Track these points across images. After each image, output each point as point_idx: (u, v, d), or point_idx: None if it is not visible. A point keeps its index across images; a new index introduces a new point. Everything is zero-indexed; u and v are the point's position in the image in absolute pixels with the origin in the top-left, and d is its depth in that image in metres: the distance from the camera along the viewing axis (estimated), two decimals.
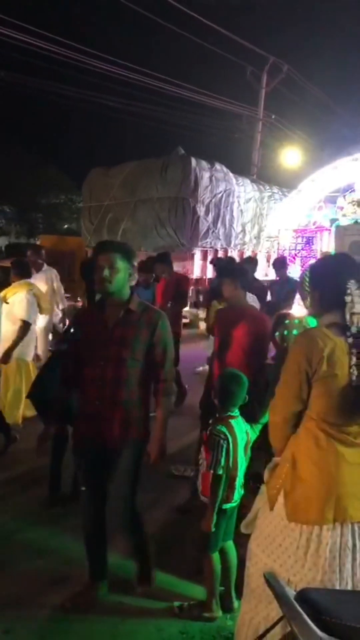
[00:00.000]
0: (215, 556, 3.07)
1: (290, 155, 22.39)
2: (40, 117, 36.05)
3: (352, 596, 2.05)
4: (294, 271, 12.95)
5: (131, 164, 14.22)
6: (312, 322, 3.29)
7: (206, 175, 13.10)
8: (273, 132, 22.09)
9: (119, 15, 36.88)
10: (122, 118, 27.49)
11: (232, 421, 3.04)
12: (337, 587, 2.17)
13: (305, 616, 1.65)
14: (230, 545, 3.15)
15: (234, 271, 4.43)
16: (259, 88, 21.26)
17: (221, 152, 17.84)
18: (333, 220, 13.22)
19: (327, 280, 2.41)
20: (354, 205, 13.01)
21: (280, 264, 8.79)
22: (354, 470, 2.27)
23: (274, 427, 2.44)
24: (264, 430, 3.22)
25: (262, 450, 3.46)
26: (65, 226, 33.40)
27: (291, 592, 1.75)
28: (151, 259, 7.59)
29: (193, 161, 12.92)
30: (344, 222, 12.90)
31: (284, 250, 13.27)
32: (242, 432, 3.07)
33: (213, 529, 2.96)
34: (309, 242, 13.06)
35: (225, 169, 13.91)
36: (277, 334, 3.49)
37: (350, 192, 13.23)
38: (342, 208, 13.28)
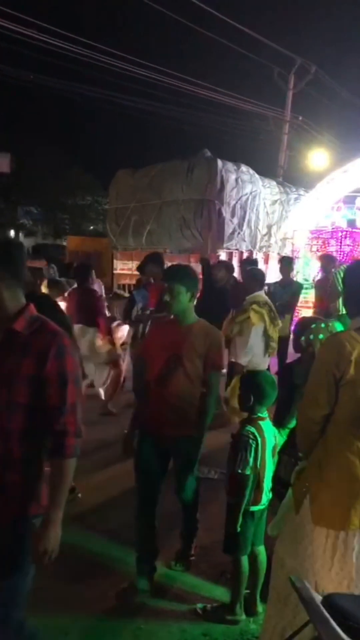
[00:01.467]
0: (244, 559, 3.05)
1: (317, 157, 22.21)
2: (67, 118, 36.52)
3: None
4: (307, 272, 12.67)
5: (157, 166, 14.27)
6: (339, 327, 3.26)
7: (232, 177, 13.07)
8: (300, 134, 21.94)
9: (148, 18, 37.10)
10: (149, 120, 27.70)
11: (262, 423, 3.03)
12: None
13: (332, 621, 1.64)
14: (261, 549, 3.14)
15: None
16: (286, 89, 21.14)
17: (248, 154, 17.83)
18: (350, 221, 12.95)
19: (356, 284, 2.40)
20: None
21: (284, 263, 8.31)
22: None
23: (301, 430, 2.43)
24: (291, 434, 3.21)
25: (288, 455, 3.44)
26: (91, 227, 33.68)
27: (318, 597, 1.73)
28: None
29: (219, 163, 12.91)
30: None
31: (298, 251, 12.96)
32: (271, 434, 3.05)
33: (239, 530, 2.94)
34: (326, 243, 12.66)
35: (251, 171, 13.86)
36: (302, 338, 3.47)
37: None
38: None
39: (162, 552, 3.63)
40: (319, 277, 9.52)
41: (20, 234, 34.85)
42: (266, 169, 17.65)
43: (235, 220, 13.18)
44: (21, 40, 13.03)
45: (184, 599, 3.23)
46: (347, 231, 12.18)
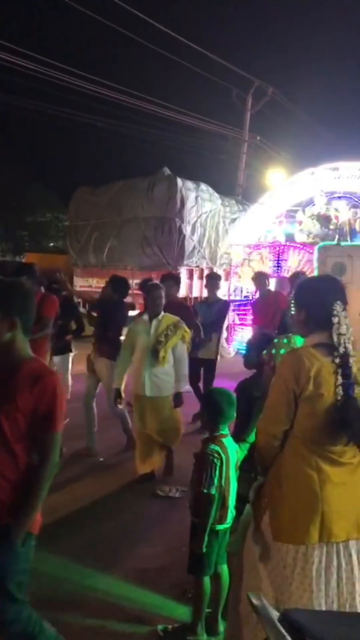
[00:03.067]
0: (206, 579, 3.03)
1: (274, 176, 22.66)
2: (27, 135, 36.28)
3: (337, 617, 2.04)
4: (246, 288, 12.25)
5: (118, 184, 14.30)
6: (300, 342, 3.32)
7: (192, 195, 13.19)
8: (258, 153, 22.38)
9: (107, 37, 37.35)
10: (109, 137, 27.77)
11: (224, 440, 3.04)
12: (324, 607, 2.17)
13: (289, 638, 1.64)
14: (224, 568, 3.12)
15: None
16: (244, 110, 21.56)
17: (207, 173, 18.05)
18: (288, 235, 12.65)
19: (314, 301, 2.45)
20: (312, 219, 12.40)
21: (210, 280, 7.66)
22: (339, 489, 2.28)
23: (261, 446, 2.45)
24: (251, 449, 3.23)
25: (247, 471, 3.46)
26: (51, 244, 33.42)
27: (275, 613, 1.74)
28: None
29: (179, 181, 13.02)
30: (300, 237, 12.28)
31: (235, 267, 12.45)
32: (233, 451, 3.07)
33: (205, 550, 2.94)
34: (263, 258, 11.98)
35: (210, 190, 14.03)
36: (264, 352, 3.51)
37: (311, 206, 12.59)
38: (301, 222, 12.63)
39: (122, 567, 3.61)
40: (257, 296, 9.02)
41: None
42: (226, 188, 17.90)
43: (196, 238, 13.27)
44: None
45: (145, 619, 3.19)
46: (284, 245, 11.77)
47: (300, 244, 11.58)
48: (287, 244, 11.89)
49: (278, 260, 11.44)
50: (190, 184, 13.33)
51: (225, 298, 10.20)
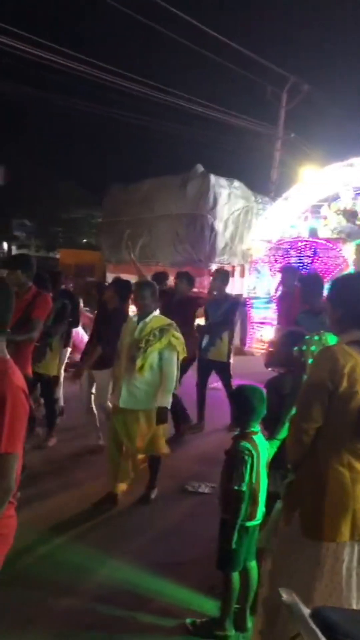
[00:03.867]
0: (235, 575, 3.04)
1: (308, 173, 22.42)
2: (62, 132, 36.69)
3: None
4: (261, 285, 11.96)
5: (150, 181, 14.35)
6: (332, 339, 3.29)
7: (225, 192, 13.16)
8: (292, 150, 22.16)
9: (141, 33, 37.48)
10: (143, 135, 27.87)
11: (255, 437, 3.04)
12: (354, 606, 2.15)
13: (320, 634, 1.64)
14: (253, 565, 3.12)
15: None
16: (279, 107, 21.38)
17: (240, 170, 17.93)
18: (312, 230, 12.00)
19: (350, 298, 2.42)
20: (338, 214, 12.00)
21: (218, 277, 7.07)
22: None
23: (293, 442, 2.44)
24: (281, 446, 3.22)
25: (276, 468, 3.45)
26: (84, 240, 33.74)
27: (306, 610, 1.74)
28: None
29: (212, 178, 13.00)
30: (325, 232, 11.76)
31: (255, 263, 12.01)
32: (264, 448, 3.06)
33: (234, 547, 2.94)
34: (286, 255, 11.34)
35: (243, 187, 13.96)
36: (295, 349, 3.49)
37: (337, 200, 12.12)
38: (325, 217, 12.20)
39: (150, 560, 3.63)
40: (279, 292, 8.54)
41: (13, 247, 34.87)
42: (259, 185, 17.78)
43: (228, 235, 13.23)
44: (17, 55, 13.13)
45: (173, 613, 3.21)
46: (307, 241, 11.16)
47: (324, 240, 11.18)
48: (311, 239, 11.37)
49: (300, 256, 10.99)
50: (223, 181, 13.29)
51: (237, 295, 9.52)
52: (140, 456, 4.73)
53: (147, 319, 4.57)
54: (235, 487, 2.89)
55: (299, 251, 11.07)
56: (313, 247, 10.91)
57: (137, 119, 18.91)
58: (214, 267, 12.97)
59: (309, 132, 24.07)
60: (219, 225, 12.96)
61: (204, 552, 3.59)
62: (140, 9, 14.80)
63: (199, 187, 13.00)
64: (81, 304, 8.01)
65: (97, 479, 4.98)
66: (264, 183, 20.44)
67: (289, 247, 11.34)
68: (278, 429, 3.28)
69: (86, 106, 18.46)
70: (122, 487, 4.65)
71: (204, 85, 21.80)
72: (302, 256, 10.94)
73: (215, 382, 7.18)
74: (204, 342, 6.64)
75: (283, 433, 3.15)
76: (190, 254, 13.02)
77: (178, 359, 4.65)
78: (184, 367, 6.30)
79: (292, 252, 11.18)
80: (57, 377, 6.20)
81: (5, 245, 34.58)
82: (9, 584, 3.17)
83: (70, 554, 3.81)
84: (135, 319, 4.69)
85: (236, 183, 13.74)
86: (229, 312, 6.88)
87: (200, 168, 13.69)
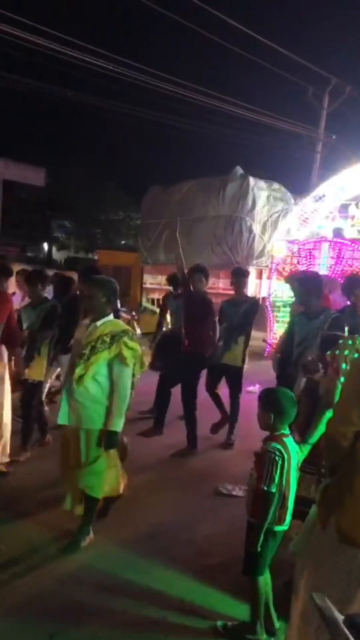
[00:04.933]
0: (261, 579, 3.00)
1: (349, 175, 22.09)
2: (101, 134, 37.14)
3: None
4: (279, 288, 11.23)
5: (189, 182, 14.41)
6: None
7: (264, 194, 13.12)
8: (333, 152, 21.88)
9: (181, 36, 37.64)
10: (182, 137, 27.96)
11: (286, 439, 3.00)
12: None
13: None
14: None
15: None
16: (321, 109, 21.15)
17: (281, 172, 17.83)
18: (336, 230, 11.25)
19: None
20: None
21: (236, 277, 6.61)
22: None
23: (330, 446, 2.40)
24: (313, 452, 3.17)
25: (308, 472, 3.40)
26: (123, 242, 34.05)
27: (340, 616, 1.69)
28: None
29: (251, 180, 12.98)
30: (352, 232, 11.10)
31: (277, 264, 11.24)
32: (295, 451, 3.02)
33: (259, 550, 2.91)
34: (309, 255, 10.77)
35: (283, 189, 13.89)
36: (328, 353, 3.44)
37: None
38: (353, 217, 11.59)
39: (182, 561, 3.63)
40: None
41: (54, 247, 35.45)
42: (300, 187, 17.62)
43: (266, 237, 13.18)
44: (59, 58, 13.35)
45: (204, 614, 3.19)
46: (332, 241, 10.55)
47: (350, 241, 10.54)
48: (336, 240, 10.70)
49: (324, 257, 10.45)
50: (262, 183, 13.25)
51: (258, 297, 9.20)
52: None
53: (99, 323, 3.89)
54: (265, 488, 2.85)
55: (322, 252, 10.57)
56: (337, 248, 10.39)
57: (177, 121, 18.99)
58: (251, 269, 12.94)
59: (350, 133, 23.74)
60: (257, 228, 12.90)
61: (236, 556, 3.55)
62: (186, 14, 14.86)
63: (238, 189, 13.00)
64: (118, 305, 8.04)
65: None
66: (304, 185, 20.26)
67: (313, 247, 10.80)
68: (310, 433, 3.23)
69: (127, 108, 18.63)
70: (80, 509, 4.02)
71: (245, 87, 21.75)
72: (326, 257, 10.48)
73: (251, 386, 7.12)
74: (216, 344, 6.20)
75: (315, 437, 3.10)
76: (228, 255, 13.01)
77: (134, 374, 3.93)
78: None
79: (316, 253, 10.67)
80: (41, 383, 5.61)
81: (45, 245, 35.17)
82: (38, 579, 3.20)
83: (100, 551, 3.83)
84: (86, 321, 4.08)
85: (276, 185, 13.68)
86: (248, 314, 6.37)
87: (239, 170, 13.67)
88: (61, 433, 4.12)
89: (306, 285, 4.99)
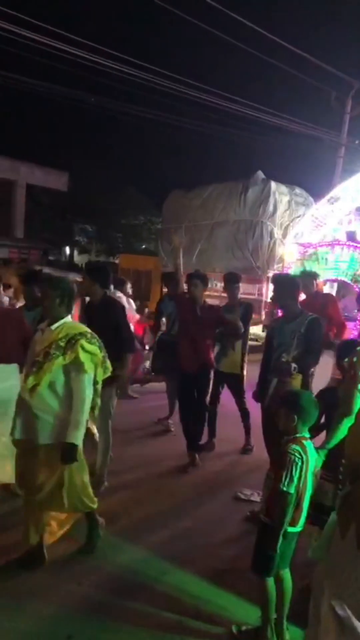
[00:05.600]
0: (271, 581, 2.98)
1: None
2: (123, 139, 37.37)
3: None
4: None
5: (210, 187, 14.39)
6: None
7: (285, 199, 13.04)
8: (356, 157, 21.71)
9: (203, 40, 37.71)
10: (203, 141, 28.00)
11: (305, 442, 2.99)
12: None
13: None
14: (286, 573, 3.06)
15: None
16: (343, 113, 21.03)
17: (303, 177, 17.73)
18: (350, 233, 10.72)
19: None
20: None
21: (228, 282, 6.41)
22: None
23: (350, 453, 2.39)
24: (332, 458, 3.14)
25: (326, 479, 3.37)
26: (143, 246, 34.19)
27: (359, 624, 1.68)
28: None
29: (273, 185, 12.91)
30: None
31: (288, 268, 10.75)
32: (313, 455, 3.00)
33: (277, 551, 2.89)
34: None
35: (305, 194, 13.80)
36: (346, 360, 3.41)
37: None
38: None
39: (199, 566, 3.62)
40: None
41: (75, 251, 35.72)
42: (322, 192, 17.50)
43: (288, 242, 13.10)
44: (79, 63, 13.44)
45: (219, 620, 3.18)
46: (344, 244, 10.18)
47: None
48: (349, 243, 10.27)
49: (336, 262, 10.10)
50: (284, 188, 13.18)
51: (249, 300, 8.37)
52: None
53: (54, 326, 3.58)
54: (284, 489, 2.84)
55: (335, 255, 10.22)
56: (350, 251, 10.07)
57: (199, 125, 19.03)
58: (272, 274, 12.88)
59: None
60: (278, 232, 12.85)
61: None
62: (206, 18, 14.88)
63: (260, 193, 12.94)
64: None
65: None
66: (327, 190, 20.12)
67: (325, 250, 10.42)
68: (328, 439, 3.21)
69: (148, 113, 18.73)
70: (51, 537, 3.68)
71: (267, 92, 21.73)
72: (339, 261, 10.12)
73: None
74: (215, 352, 6.00)
75: (333, 442, 3.09)
76: (249, 260, 12.95)
77: (97, 381, 3.63)
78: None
79: (329, 257, 10.32)
80: None
81: (67, 249, 35.47)
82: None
83: (118, 553, 3.83)
84: (43, 325, 3.72)
85: (297, 190, 13.60)
86: (243, 318, 5.97)
87: (261, 175, 13.62)
88: (16, 450, 3.67)
89: (280, 286, 4.78)
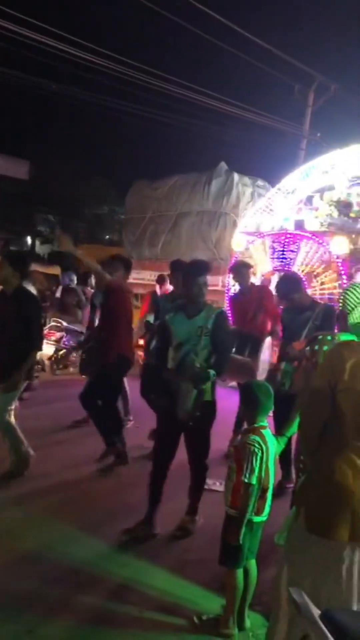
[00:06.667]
0: (239, 572, 3.02)
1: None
2: (86, 128, 36.90)
3: None
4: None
5: (174, 178, 14.36)
6: (344, 339, 3.25)
7: (248, 190, 13.11)
8: (319, 150, 21.96)
9: (168, 32, 37.47)
10: (167, 132, 27.89)
11: (264, 431, 3.02)
12: (354, 608, 2.13)
13: (330, 636, 1.61)
14: (252, 563, 3.10)
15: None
16: (306, 106, 21.22)
17: (266, 169, 17.83)
18: (298, 222, 10.46)
19: None
20: (330, 205, 10.63)
21: (174, 270, 6.02)
22: None
23: (303, 438, 2.46)
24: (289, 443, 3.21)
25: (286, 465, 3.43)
26: (107, 237, 33.91)
27: (316, 611, 1.71)
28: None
29: (236, 176, 12.97)
30: (315, 225, 10.33)
31: (236, 258, 10.27)
32: (272, 443, 3.04)
33: (240, 542, 2.91)
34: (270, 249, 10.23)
35: (268, 185, 13.89)
36: (307, 349, 3.48)
37: (330, 191, 10.85)
38: (317, 209, 10.84)
39: (162, 557, 3.63)
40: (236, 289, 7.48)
41: (37, 241, 35.18)
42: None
43: None
44: (41, 49, 13.18)
45: (182, 610, 3.20)
46: (292, 234, 9.97)
47: (310, 233, 9.92)
48: (296, 232, 10.08)
49: (283, 251, 9.89)
50: (247, 180, 13.25)
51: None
52: None
53: None
54: (246, 480, 2.87)
55: (282, 245, 9.98)
56: (297, 241, 9.87)
57: (162, 115, 18.91)
58: None
59: (335, 132, 23.81)
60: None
61: (215, 550, 3.57)
62: (171, 7, 14.76)
63: (223, 185, 12.98)
64: None
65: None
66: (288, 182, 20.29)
67: (272, 240, 10.24)
68: (287, 427, 3.27)
69: (112, 102, 18.51)
70: None
71: (231, 84, 21.74)
72: (286, 251, 9.92)
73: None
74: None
75: (292, 430, 3.15)
76: (212, 251, 12.98)
77: None
78: None
79: (276, 246, 10.11)
80: None
81: (29, 239, 34.90)
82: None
83: (81, 547, 3.82)
84: None
85: (260, 182, 13.69)
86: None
87: (224, 166, 13.66)
88: None
89: (287, 282, 5.14)
